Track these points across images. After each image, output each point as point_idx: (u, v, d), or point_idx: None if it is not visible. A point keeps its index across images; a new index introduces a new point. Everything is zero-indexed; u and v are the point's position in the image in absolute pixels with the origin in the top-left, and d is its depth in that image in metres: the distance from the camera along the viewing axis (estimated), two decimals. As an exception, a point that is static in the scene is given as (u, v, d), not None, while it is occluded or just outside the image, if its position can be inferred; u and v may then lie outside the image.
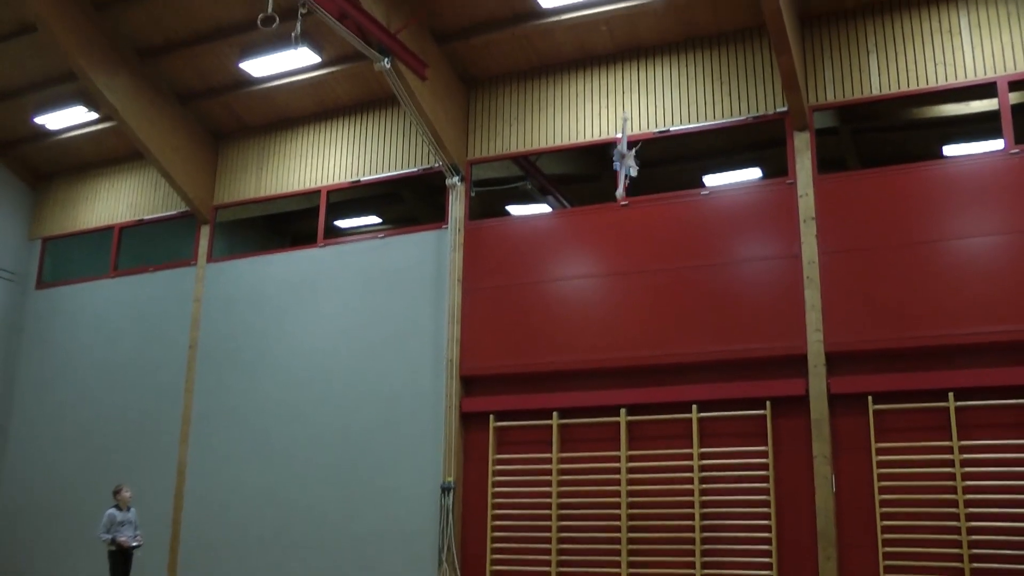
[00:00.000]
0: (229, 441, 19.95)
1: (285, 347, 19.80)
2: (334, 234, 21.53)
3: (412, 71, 17.11)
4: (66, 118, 22.15)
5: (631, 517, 15.83)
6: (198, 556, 19.67)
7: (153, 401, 21.18)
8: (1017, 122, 14.88)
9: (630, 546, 15.71)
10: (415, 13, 17.26)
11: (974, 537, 13.57)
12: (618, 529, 15.85)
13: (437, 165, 18.59)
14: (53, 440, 22.55)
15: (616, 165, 14.72)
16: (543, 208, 20.57)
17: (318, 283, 19.73)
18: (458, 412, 17.51)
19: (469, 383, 17.76)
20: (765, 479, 15.08)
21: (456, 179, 18.38)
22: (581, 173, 20.90)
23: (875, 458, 14.35)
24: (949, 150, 17.96)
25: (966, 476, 13.81)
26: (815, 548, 14.47)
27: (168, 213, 22.43)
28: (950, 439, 13.97)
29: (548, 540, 16.34)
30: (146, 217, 22.74)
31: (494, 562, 16.71)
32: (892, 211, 15.14)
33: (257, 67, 19.42)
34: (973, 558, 13.50)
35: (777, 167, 16.64)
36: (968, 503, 13.70)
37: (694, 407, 15.71)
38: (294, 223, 23.88)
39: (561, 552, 16.21)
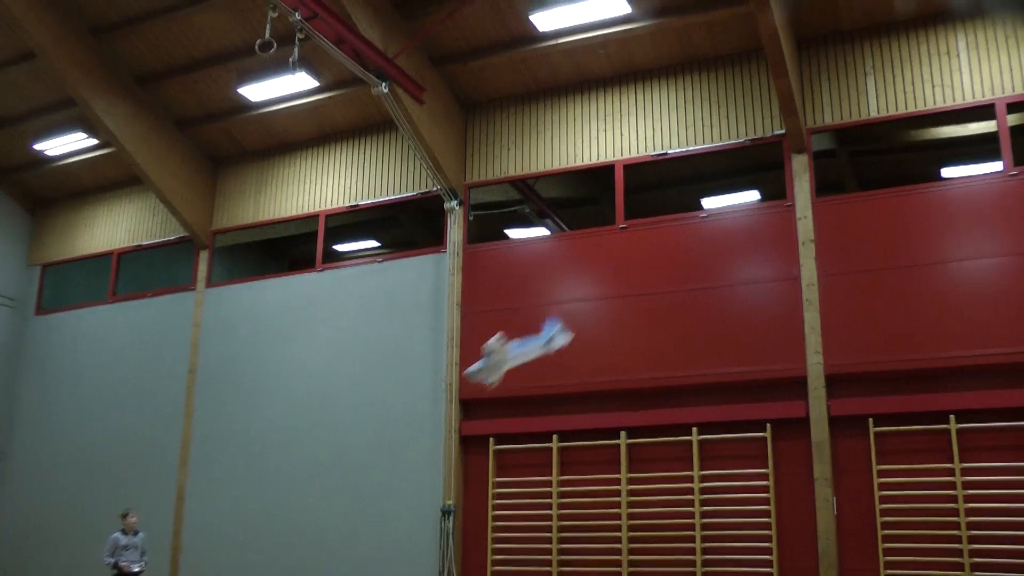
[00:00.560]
0: (228, 464, 19.90)
1: (284, 371, 19.77)
2: (332, 258, 21.55)
3: (410, 95, 17.14)
4: (65, 144, 22.23)
5: (632, 540, 15.77)
6: (197, 577, 19.65)
7: (153, 425, 21.12)
8: (1016, 144, 14.90)
9: (631, 569, 15.65)
10: (412, 37, 17.29)
11: (976, 560, 13.52)
12: (619, 552, 15.79)
13: (435, 189, 18.60)
14: (53, 464, 22.49)
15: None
16: (541, 231, 20.58)
17: (317, 307, 19.71)
18: (457, 435, 17.48)
19: (468, 406, 17.72)
20: (766, 501, 15.03)
21: (454, 203, 18.38)
22: (579, 196, 20.93)
23: (876, 480, 14.32)
24: (947, 172, 17.99)
25: (968, 499, 13.77)
26: (816, 570, 14.42)
27: (167, 238, 22.43)
28: (951, 461, 13.94)
29: (549, 563, 16.27)
30: (144, 242, 22.74)
31: (495, 585, 16.68)
32: (891, 233, 15.14)
33: (255, 92, 19.47)
34: (976, 580, 13.48)
35: (775, 190, 16.65)
36: (970, 525, 13.66)
37: (694, 429, 15.68)
38: (292, 247, 23.88)
39: (562, 575, 16.14)
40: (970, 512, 13.71)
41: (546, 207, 20.29)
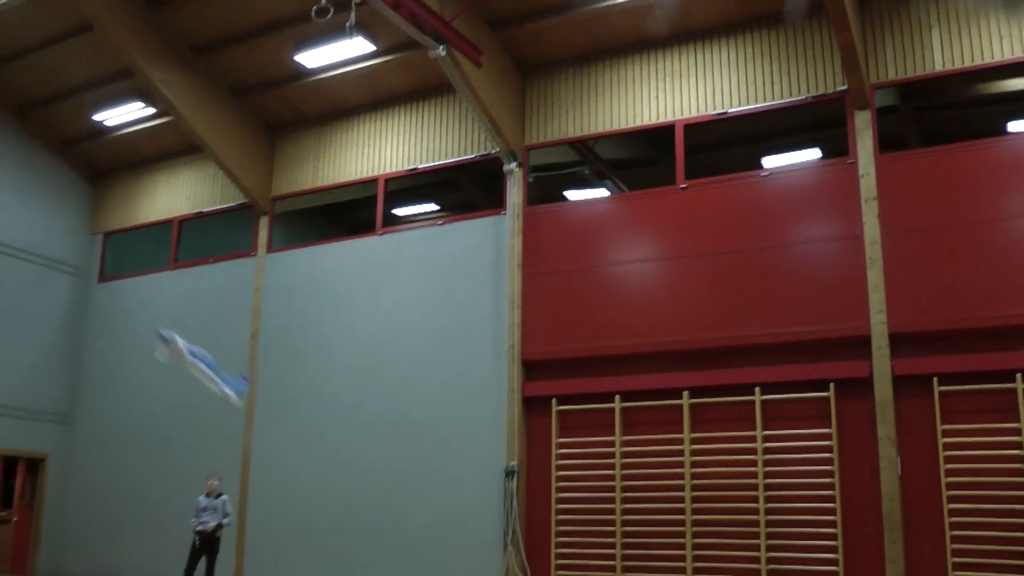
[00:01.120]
0: (291, 429, 20.15)
1: (346, 335, 19.94)
2: (392, 222, 21.61)
3: (467, 58, 17.11)
4: (124, 114, 22.47)
5: (695, 500, 15.80)
6: (264, 541, 19.95)
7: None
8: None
9: (694, 528, 15.69)
10: (469, 0, 17.22)
11: (1044, 519, 13.42)
12: (682, 512, 15.83)
13: (494, 151, 18.61)
14: (118, 430, 22.94)
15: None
16: (601, 193, 20.50)
17: (377, 271, 19.84)
18: (520, 397, 17.56)
19: (530, 368, 17.79)
20: (829, 462, 14.97)
21: (514, 165, 18.38)
22: (639, 157, 20.82)
23: (941, 440, 14.19)
24: (1014, 126, 17.65)
25: (1035, 457, 13.65)
26: (881, 531, 14.36)
27: (227, 205, 22.65)
28: (1018, 420, 13.77)
29: (612, 523, 16.36)
30: (205, 209, 22.98)
31: (558, 545, 16.78)
32: (956, 189, 14.93)
33: (312, 58, 19.50)
34: (1043, 540, 13.37)
35: (837, 147, 16.46)
36: (1037, 485, 13.55)
37: (757, 390, 15.64)
38: (351, 213, 23.96)
39: (625, 535, 16.23)
40: (1038, 471, 13.59)
41: (605, 168, 20.22)
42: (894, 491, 14.36)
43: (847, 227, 15.51)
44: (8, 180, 23.19)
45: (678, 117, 17.25)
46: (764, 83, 16.68)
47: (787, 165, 17.38)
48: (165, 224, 23.65)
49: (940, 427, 14.22)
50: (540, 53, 18.68)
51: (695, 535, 15.68)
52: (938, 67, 15.37)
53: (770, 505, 15.19)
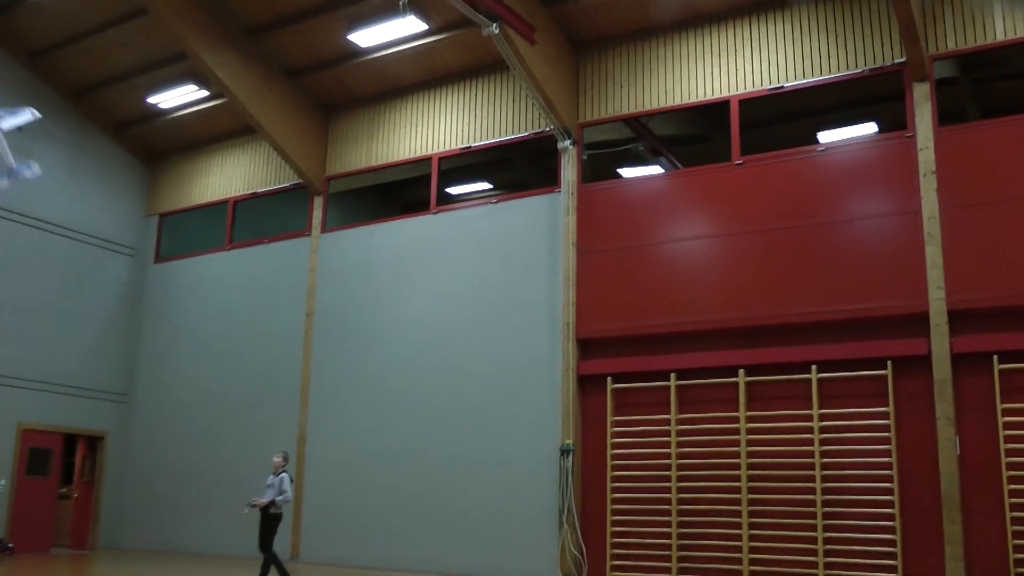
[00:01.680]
0: (347, 406, 20.31)
1: (400, 313, 20.03)
2: (445, 201, 21.63)
3: (521, 35, 17.04)
4: (178, 97, 22.70)
5: (751, 479, 15.70)
6: (319, 517, 20.16)
7: (272, 368, 21.68)
8: None
9: (751, 507, 15.60)
10: (522, -22, 17.18)
11: (1109, 498, 13.22)
12: (738, 491, 15.74)
13: (548, 129, 18.54)
14: (174, 409, 23.32)
15: None
16: (655, 170, 20.36)
17: (431, 250, 19.88)
18: (575, 375, 17.54)
19: (585, 346, 17.76)
20: (887, 441, 14.81)
21: (568, 142, 18.31)
22: (693, 134, 20.67)
23: (1001, 419, 13.97)
24: (1078, 98, 17.33)
25: (1099, 435, 13.44)
26: (939, 511, 14.19)
27: (281, 185, 22.80)
28: (1081, 399, 13.56)
29: (668, 501, 16.32)
30: (259, 190, 23.12)
31: (614, 523, 16.77)
32: (1016, 163, 14.65)
33: (365, 38, 19.56)
34: (1108, 519, 13.18)
35: (895, 121, 16.20)
36: (1102, 462, 13.34)
37: (813, 367, 15.48)
38: (404, 192, 24.06)
39: (681, 513, 16.18)
40: (1102, 449, 13.38)
41: (660, 145, 20.09)
42: (952, 471, 14.16)
43: (905, 202, 15.29)
44: (65, 163, 23.49)
45: (733, 92, 17.09)
46: (820, 56, 16.46)
47: (844, 140, 17.15)
48: (220, 205, 23.88)
49: (1000, 406, 14.00)
50: (594, 29, 18.57)
51: (751, 514, 15.60)
52: (1000, 37, 15.06)
53: (826, 485, 15.06)
